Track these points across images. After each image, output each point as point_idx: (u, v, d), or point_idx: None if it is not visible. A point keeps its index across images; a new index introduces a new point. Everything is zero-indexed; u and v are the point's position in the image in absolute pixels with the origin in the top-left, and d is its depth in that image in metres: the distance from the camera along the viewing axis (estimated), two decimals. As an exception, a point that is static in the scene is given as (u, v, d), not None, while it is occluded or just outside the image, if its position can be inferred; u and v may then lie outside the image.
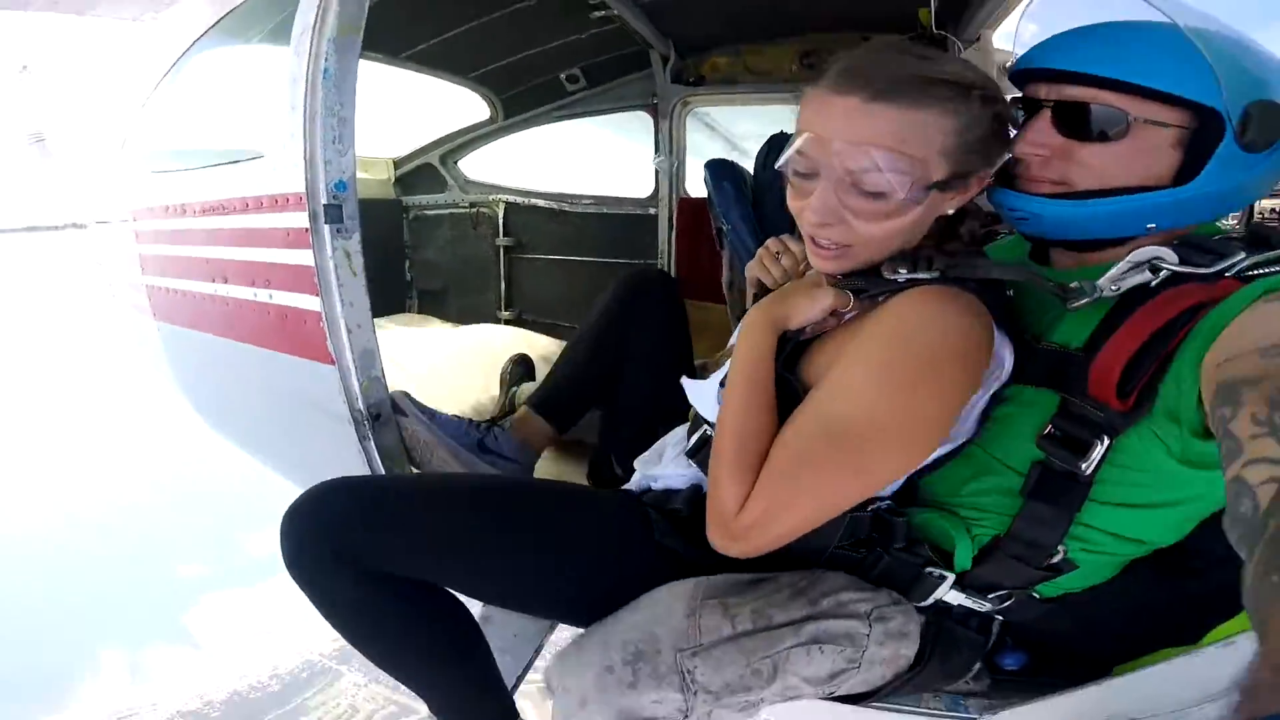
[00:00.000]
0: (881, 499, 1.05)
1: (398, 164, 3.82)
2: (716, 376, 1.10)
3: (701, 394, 1.14)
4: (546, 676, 1.14)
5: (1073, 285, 0.90)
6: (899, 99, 0.84)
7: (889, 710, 1.12)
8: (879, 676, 1.03)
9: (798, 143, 0.90)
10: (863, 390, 0.89)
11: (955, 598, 1.05)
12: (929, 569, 1.03)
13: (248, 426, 2.31)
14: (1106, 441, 0.88)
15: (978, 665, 1.10)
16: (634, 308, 1.61)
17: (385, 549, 1.05)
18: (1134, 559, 1.01)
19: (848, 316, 0.99)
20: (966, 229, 1.01)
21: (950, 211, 0.95)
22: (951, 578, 1.02)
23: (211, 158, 1.81)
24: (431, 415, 1.54)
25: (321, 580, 1.07)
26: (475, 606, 1.27)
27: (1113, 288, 0.88)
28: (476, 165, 3.76)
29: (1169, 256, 0.85)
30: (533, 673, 1.69)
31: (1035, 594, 1.04)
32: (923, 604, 1.05)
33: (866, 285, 0.96)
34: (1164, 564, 1.02)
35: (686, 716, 1.02)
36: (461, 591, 1.16)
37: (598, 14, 2.53)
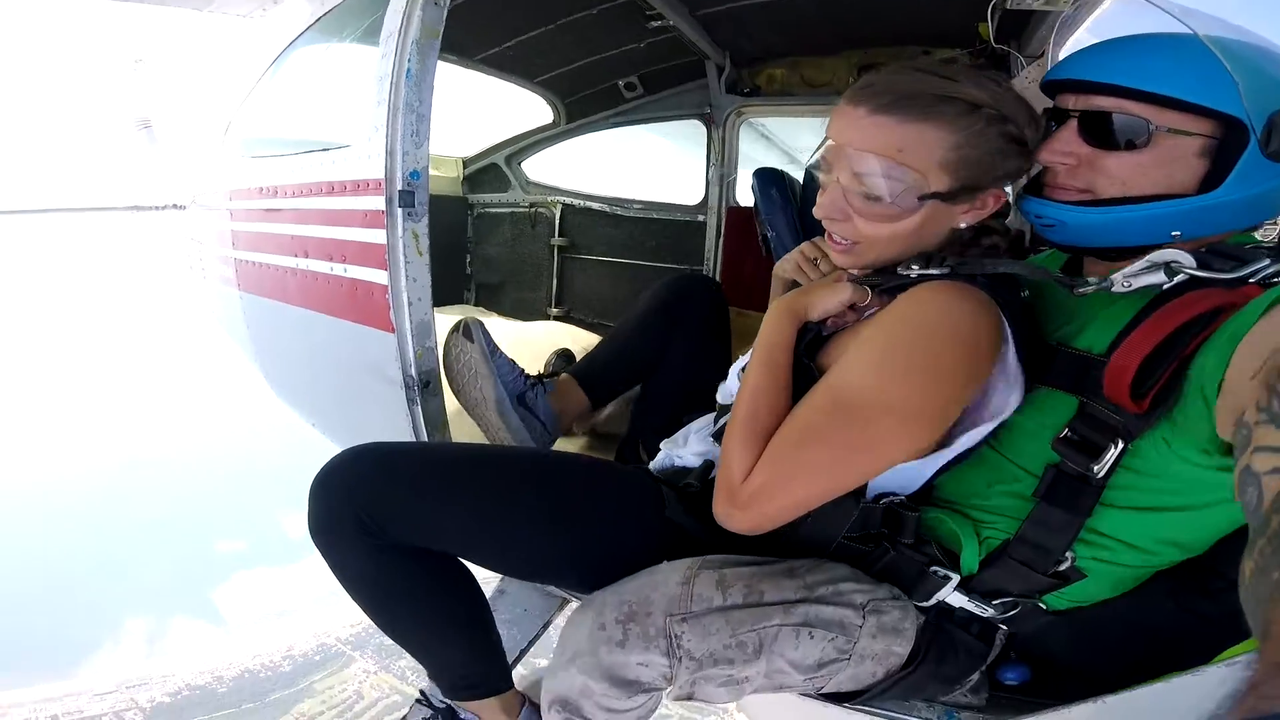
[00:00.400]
0: (896, 495, 1.06)
1: (467, 163, 4.01)
2: (740, 362, 1.17)
3: (726, 379, 1.21)
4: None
5: (1087, 288, 0.93)
6: (902, 112, 0.92)
7: (879, 715, 1.11)
8: (869, 673, 1.04)
9: (820, 147, 1.01)
10: (869, 371, 0.94)
11: (958, 600, 1.04)
12: (934, 568, 1.03)
13: (310, 391, 2.49)
14: (1121, 445, 0.88)
15: (977, 675, 1.09)
16: (680, 307, 1.67)
17: (404, 517, 1.09)
18: (1149, 576, 1.00)
19: (868, 314, 1.05)
20: (987, 243, 1.06)
21: (963, 225, 1.00)
22: (956, 579, 1.02)
23: (303, 145, 2.00)
24: (494, 350, 1.61)
25: (341, 544, 1.12)
26: (488, 580, 1.35)
27: (1125, 284, 0.90)
28: (538, 167, 3.92)
29: (1186, 260, 0.86)
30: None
31: (1042, 604, 1.03)
32: (925, 604, 1.05)
33: (882, 281, 1.03)
34: (1182, 583, 1.01)
35: (669, 683, 1.04)
36: (475, 559, 1.20)
37: (654, 24, 2.61)
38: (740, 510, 0.96)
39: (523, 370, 1.67)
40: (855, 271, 1.09)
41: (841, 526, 1.04)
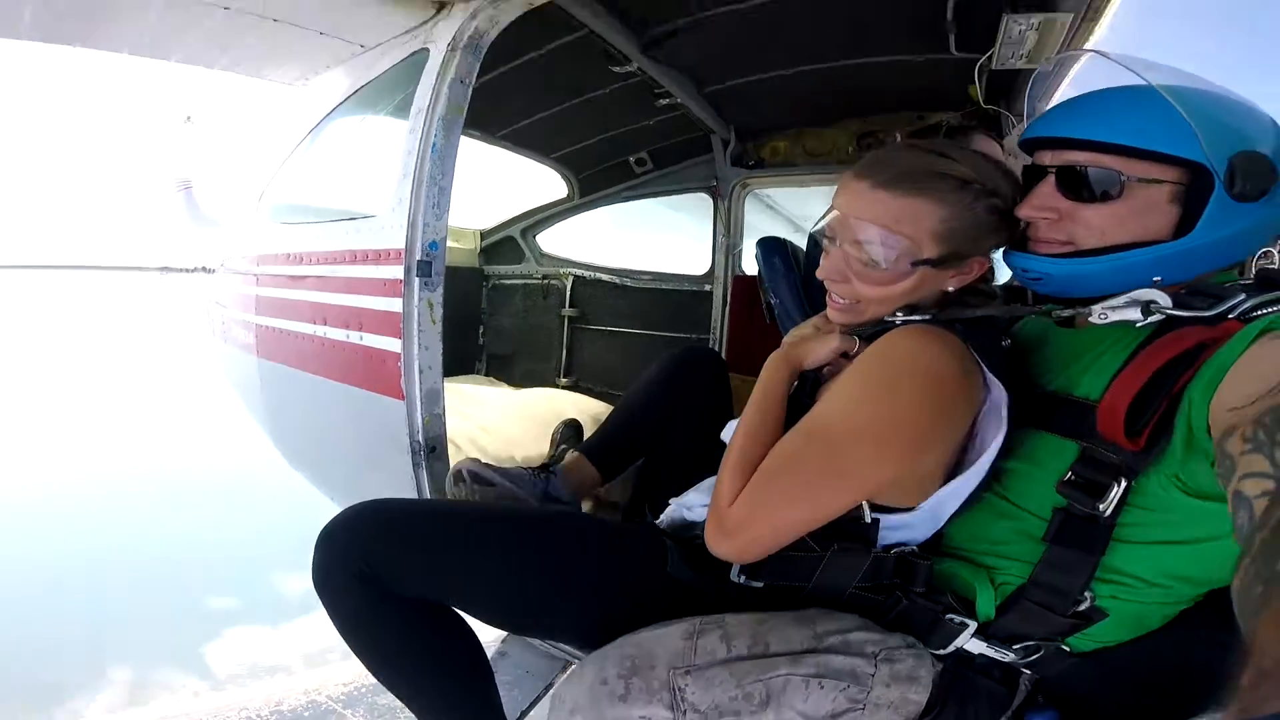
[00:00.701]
0: (906, 545, 1.08)
1: (484, 235, 4.15)
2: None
3: (728, 431, 1.22)
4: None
5: (1063, 312, 1.00)
6: (898, 187, 1.03)
7: None
8: None
9: (826, 215, 1.11)
10: (840, 402, 1.01)
11: (977, 646, 1.04)
12: (949, 615, 1.03)
13: (317, 455, 2.50)
14: (1124, 483, 0.89)
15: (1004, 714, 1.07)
16: (685, 380, 1.70)
17: (406, 569, 1.11)
18: (1174, 615, 0.99)
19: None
20: (971, 304, 1.12)
21: (951, 289, 1.09)
22: (973, 626, 1.02)
23: (331, 214, 2.09)
24: (504, 472, 1.62)
25: (345, 599, 1.14)
26: (491, 642, 1.30)
27: (1102, 315, 0.94)
28: (551, 240, 4.05)
29: (1163, 300, 0.90)
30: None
31: (1065, 647, 1.02)
32: (942, 651, 1.05)
33: (870, 329, 1.11)
34: (1210, 618, 0.98)
35: None
36: (478, 615, 1.20)
37: (663, 102, 2.73)
38: (726, 536, 1.00)
39: (533, 470, 1.69)
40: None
41: (853, 576, 1.06)
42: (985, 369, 1.00)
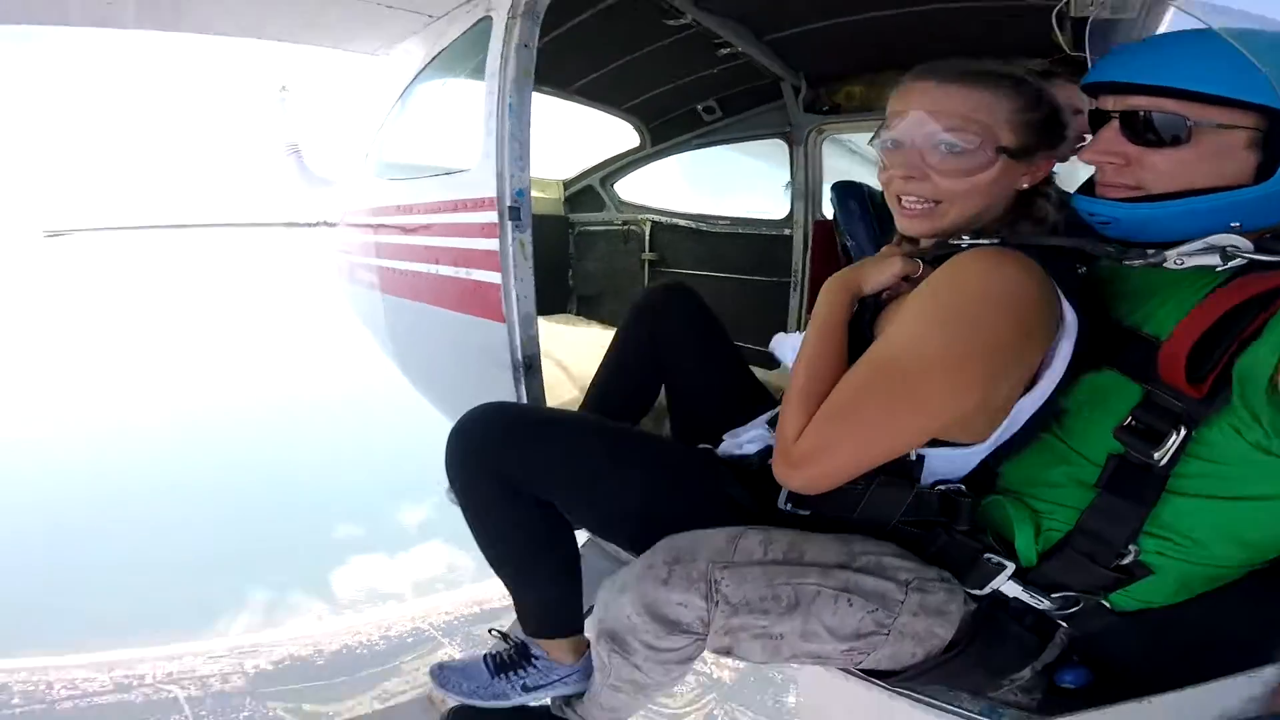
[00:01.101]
0: (952, 481, 1.08)
1: (567, 185, 4.40)
2: (801, 335, 1.21)
3: (785, 346, 1.28)
4: None
5: (1135, 262, 0.94)
6: (967, 82, 1.04)
7: (921, 702, 1.14)
8: (909, 654, 1.04)
9: (887, 120, 1.09)
10: (909, 329, 0.99)
11: (1013, 590, 1.03)
12: (988, 555, 1.03)
13: (433, 375, 2.93)
14: (1183, 431, 0.87)
15: (1029, 673, 1.07)
16: (653, 323, 1.76)
17: (523, 463, 1.25)
18: (1221, 583, 0.96)
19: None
20: (1040, 210, 1.10)
21: (1025, 185, 1.07)
22: (1011, 568, 1.02)
23: (430, 169, 2.42)
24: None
25: (470, 485, 1.30)
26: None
27: (1178, 261, 0.90)
28: (631, 188, 4.24)
29: (1243, 244, 0.87)
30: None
31: (1106, 603, 1.01)
32: (978, 592, 1.05)
33: (933, 252, 1.08)
34: (1258, 588, 0.96)
35: (705, 626, 1.07)
36: (569, 510, 1.34)
37: (723, 51, 2.78)
38: (794, 469, 0.99)
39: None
40: (908, 247, 1.16)
41: (895, 510, 1.06)
42: (1061, 294, 0.96)
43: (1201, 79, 0.87)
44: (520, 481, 1.26)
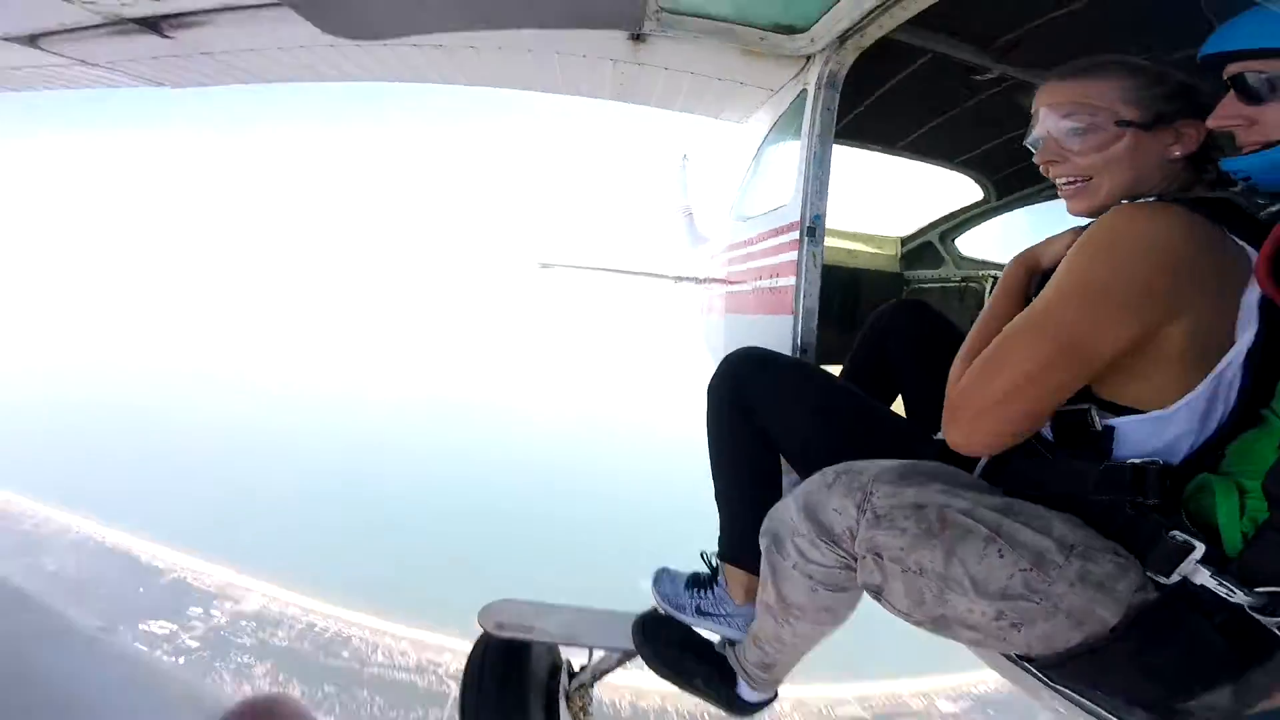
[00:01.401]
0: (1154, 460, 1.00)
1: (904, 242, 4.49)
2: None
3: None
4: None
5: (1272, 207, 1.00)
6: (1076, 74, 1.20)
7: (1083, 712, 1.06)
8: (1064, 636, 0.93)
9: (1029, 126, 1.26)
10: (1055, 278, 1.05)
11: (1202, 576, 0.90)
12: (1174, 533, 0.93)
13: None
14: None
15: (1228, 696, 0.89)
16: (883, 341, 1.85)
17: (757, 391, 1.47)
18: None
19: None
20: (1208, 175, 1.16)
21: (1177, 154, 1.14)
22: (1201, 548, 0.90)
23: (765, 208, 3.12)
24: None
25: (720, 410, 1.54)
26: None
27: None
28: (974, 243, 4.17)
29: None
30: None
31: None
32: (1165, 580, 0.93)
33: None
34: None
35: (852, 538, 1.10)
36: (779, 439, 1.49)
37: None
38: (951, 419, 1.05)
39: None
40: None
41: (1082, 484, 1.03)
42: (1237, 239, 0.99)
43: (1275, 36, 0.95)
44: (751, 406, 1.50)
